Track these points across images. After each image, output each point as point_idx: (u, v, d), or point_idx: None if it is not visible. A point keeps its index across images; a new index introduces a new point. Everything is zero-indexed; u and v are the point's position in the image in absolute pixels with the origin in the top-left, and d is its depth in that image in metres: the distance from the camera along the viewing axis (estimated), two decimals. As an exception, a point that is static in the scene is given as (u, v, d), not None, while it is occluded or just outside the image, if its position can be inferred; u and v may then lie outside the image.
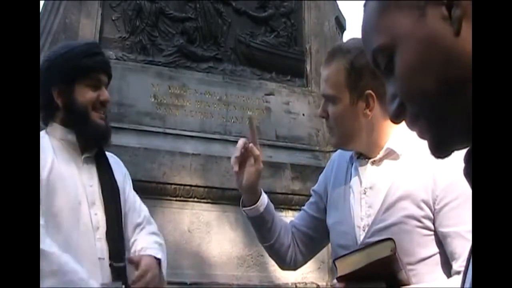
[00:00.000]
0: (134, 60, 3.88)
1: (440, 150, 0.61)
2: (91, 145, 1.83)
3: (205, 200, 3.57)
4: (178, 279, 3.28)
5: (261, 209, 1.54)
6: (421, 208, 1.34)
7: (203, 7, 4.17)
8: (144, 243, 1.84)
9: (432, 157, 0.62)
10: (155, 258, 1.79)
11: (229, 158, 4.04)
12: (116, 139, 3.48)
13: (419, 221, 1.34)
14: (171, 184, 3.49)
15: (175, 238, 3.41)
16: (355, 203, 1.46)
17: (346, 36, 7.44)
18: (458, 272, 1.31)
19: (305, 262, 1.69)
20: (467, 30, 0.56)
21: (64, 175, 1.73)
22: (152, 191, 3.36)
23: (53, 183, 1.69)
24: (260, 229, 1.58)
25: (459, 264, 1.31)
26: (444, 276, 1.34)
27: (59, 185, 1.71)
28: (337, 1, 4.91)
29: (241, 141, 1.50)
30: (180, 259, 3.37)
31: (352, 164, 1.52)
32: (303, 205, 1.68)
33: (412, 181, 1.38)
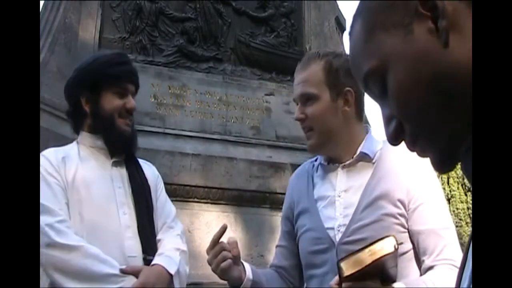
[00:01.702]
0: (134, 60, 3.87)
1: (444, 165, 0.61)
2: (118, 150, 1.90)
3: (205, 200, 3.57)
4: (178, 279, 3.28)
5: (248, 285, 1.52)
6: (397, 207, 1.41)
7: (203, 7, 4.17)
8: (164, 248, 1.85)
9: (407, 159, 0.62)
10: (166, 270, 1.76)
11: (229, 158, 4.00)
12: (116, 139, 3.49)
13: (396, 218, 1.40)
14: (171, 184, 3.49)
15: (175, 238, 3.41)
16: (327, 208, 1.49)
17: (346, 36, 7.39)
18: (431, 267, 1.38)
19: None
20: (455, 41, 0.55)
21: (90, 180, 1.79)
22: (152, 191, 3.36)
23: (78, 189, 1.76)
24: None
25: (432, 259, 1.39)
26: (418, 271, 1.42)
27: (85, 190, 1.77)
28: (337, 1, 4.91)
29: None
30: (180, 259, 3.37)
31: (314, 175, 1.57)
32: None
33: (388, 181, 1.43)
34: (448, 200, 11.25)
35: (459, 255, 1.38)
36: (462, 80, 0.54)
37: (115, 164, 1.89)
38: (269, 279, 1.59)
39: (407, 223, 1.41)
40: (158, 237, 1.87)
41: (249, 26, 4.31)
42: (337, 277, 1.25)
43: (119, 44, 3.89)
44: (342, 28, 5.00)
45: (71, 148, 1.87)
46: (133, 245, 1.77)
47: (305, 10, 4.49)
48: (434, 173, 1.43)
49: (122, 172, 1.90)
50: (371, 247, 1.23)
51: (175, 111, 3.85)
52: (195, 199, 3.54)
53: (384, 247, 1.23)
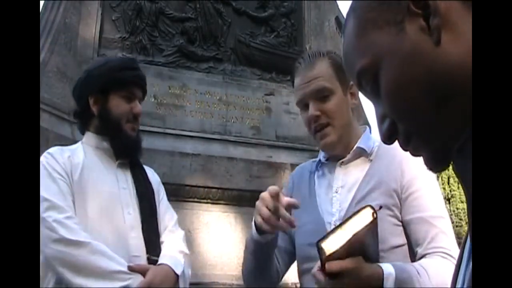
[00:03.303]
0: (134, 60, 3.89)
1: (438, 164, 0.60)
2: (123, 154, 1.92)
3: (205, 200, 3.56)
4: (178, 279, 3.28)
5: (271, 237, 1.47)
6: (391, 197, 1.39)
7: (203, 7, 4.17)
8: (168, 249, 1.86)
9: (400, 150, 0.62)
10: (173, 270, 1.78)
11: (229, 158, 3.99)
12: (116, 139, 3.49)
13: (390, 209, 1.39)
14: (171, 184, 3.48)
15: (175, 238, 3.41)
16: (325, 203, 1.50)
17: (346, 36, 7.34)
18: (423, 255, 1.35)
19: (283, 276, 1.68)
20: (448, 39, 0.55)
21: (95, 179, 1.81)
22: (152, 191, 3.36)
23: (83, 188, 1.77)
24: (269, 254, 1.54)
25: (423, 247, 1.36)
26: None
27: (90, 189, 1.79)
28: (337, 1, 4.91)
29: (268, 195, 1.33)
30: (180, 259, 3.37)
31: (315, 173, 1.58)
32: None
33: (382, 173, 1.43)
34: (448, 200, 11.23)
35: (453, 244, 1.36)
36: (454, 79, 0.54)
37: (120, 165, 1.92)
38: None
39: (400, 214, 1.40)
40: (161, 239, 1.89)
41: (249, 26, 4.31)
42: (319, 262, 1.19)
43: (119, 44, 3.90)
44: (342, 28, 5.00)
45: (77, 148, 1.89)
46: (137, 244, 1.79)
47: (305, 10, 4.49)
48: None
49: (127, 174, 1.92)
50: (349, 222, 1.17)
51: (175, 111, 3.85)
52: (195, 199, 3.54)
53: (362, 219, 1.17)
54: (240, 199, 3.57)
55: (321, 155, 1.58)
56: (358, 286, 1.20)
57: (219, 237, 3.49)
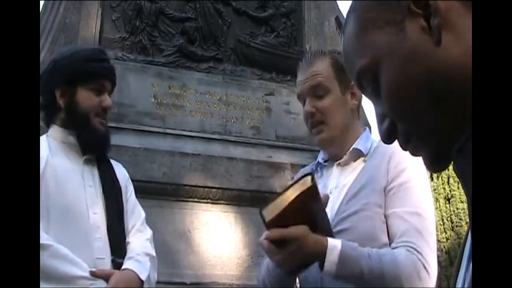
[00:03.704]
0: (134, 60, 3.88)
1: (437, 164, 0.60)
2: (91, 149, 1.83)
3: (205, 200, 3.56)
4: (178, 279, 3.28)
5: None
6: (381, 195, 1.39)
7: (203, 7, 4.17)
8: (134, 252, 1.78)
9: (392, 150, 0.62)
10: (137, 276, 1.71)
11: (229, 158, 4.00)
12: (116, 139, 3.48)
13: (380, 207, 1.39)
14: (171, 184, 3.49)
15: (175, 238, 3.41)
16: None
17: (346, 36, 7.31)
18: (393, 248, 1.33)
19: None
20: (448, 39, 0.55)
21: (59, 176, 1.71)
22: (152, 191, 3.36)
23: (46, 186, 1.67)
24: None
25: (395, 241, 1.34)
26: None
27: (54, 187, 1.69)
28: (337, 1, 4.91)
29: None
30: (180, 259, 3.37)
31: (315, 175, 1.56)
32: None
33: (373, 171, 1.43)
34: (448, 200, 11.21)
35: (423, 241, 1.33)
36: (454, 79, 0.54)
37: (86, 162, 1.82)
38: None
39: None
40: (127, 239, 1.82)
41: (249, 26, 4.30)
42: (266, 232, 1.21)
43: (119, 44, 3.89)
44: (342, 28, 5.00)
45: (41, 141, 1.75)
46: (102, 247, 1.71)
47: (305, 10, 4.49)
48: (420, 166, 1.39)
49: (94, 170, 1.82)
50: (288, 189, 1.19)
51: (175, 111, 3.85)
52: (195, 199, 3.54)
53: (301, 186, 1.19)
54: (240, 199, 3.57)
55: (320, 157, 1.58)
56: (302, 254, 1.21)
57: (219, 237, 3.49)
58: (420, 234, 1.34)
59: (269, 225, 1.19)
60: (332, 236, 1.28)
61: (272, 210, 1.18)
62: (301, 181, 1.20)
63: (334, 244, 1.25)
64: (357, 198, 1.40)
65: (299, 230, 1.20)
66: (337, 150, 1.52)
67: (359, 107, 1.55)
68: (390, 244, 1.37)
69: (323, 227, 1.26)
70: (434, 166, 0.61)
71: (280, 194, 1.20)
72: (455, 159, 0.58)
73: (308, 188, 1.18)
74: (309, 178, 1.20)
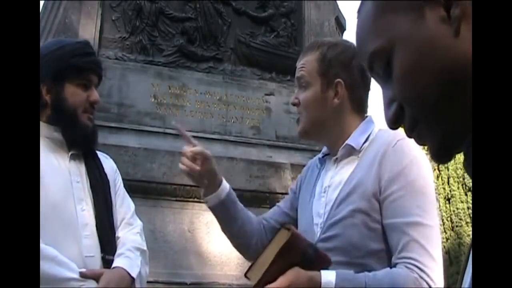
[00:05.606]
0: (134, 60, 3.88)
1: (441, 155, 0.60)
2: (78, 145, 1.79)
3: (205, 200, 3.56)
4: (178, 279, 3.28)
5: (222, 195, 1.65)
6: (369, 202, 1.34)
7: (203, 7, 4.17)
8: (124, 247, 1.75)
9: (383, 150, 0.62)
10: (128, 273, 1.68)
11: (229, 158, 3.99)
12: (116, 139, 3.49)
13: (368, 214, 1.34)
14: (171, 184, 3.49)
15: (175, 238, 3.41)
16: (317, 203, 1.49)
17: (346, 36, 7.37)
18: (394, 265, 1.29)
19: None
20: (466, 30, 0.55)
21: (46, 171, 1.65)
22: (152, 191, 3.36)
23: None
24: (223, 216, 1.69)
25: (395, 256, 1.30)
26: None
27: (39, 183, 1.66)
28: (337, 1, 4.91)
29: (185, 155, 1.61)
30: (180, 259, 3.37)
31: (322, 167, 1.57)
32: None
33: (363, 174, 1.38)
34: (448, 200, 11.22)
35: (424, 254, 1.27)
36: (468, 71, 0.54)
37: (73, 157, 1.78)
38: (247, 216, 1.69)
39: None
40: (117, 234, 1.78)
41: (249, 26, 4.30)
42: None
43: (119, 44, 3.89)
44: (342, 28, 5.00)
45: None
46: (91, 244, 1.68)
47: (305, 10, 4.49)
48: (418, 166, 1.33)
49: (80, 166, 1.78)
50: (268, 246, 1.22)
51: (175, 111, 3.85)
52: (195, 199, 3.54)
53: (279, 240, 1.19)
54: (240, 199, 3.56)
55: (322, 150, 1.58)
56: None
57: (219, 237, 3.48)
58: (421, 247, 1.28)
59: (257, 286, 1.21)
60: (328, 262, 1.26)
61: (257, 271, 1.21)
62: (279, 234, 1.21)
63: (328, 279, 1.23)
64: (346, 203, 1.37)
65: (289, 276, 1.20)
66: (331, 145, 1.51)
67: (354, 103, 1.49)
68: (386, 251, 1.33)
69: (315, 259, 1.24)
70: (439, 156, 0.61)
71: (261, 253, 1.22)
72: (466, 154, 0.58)
73: (287, 242, 1.19)
74: (285, 231, 1.20)
